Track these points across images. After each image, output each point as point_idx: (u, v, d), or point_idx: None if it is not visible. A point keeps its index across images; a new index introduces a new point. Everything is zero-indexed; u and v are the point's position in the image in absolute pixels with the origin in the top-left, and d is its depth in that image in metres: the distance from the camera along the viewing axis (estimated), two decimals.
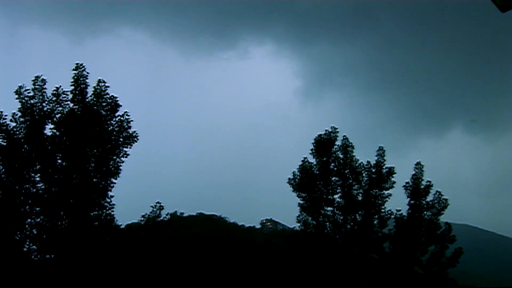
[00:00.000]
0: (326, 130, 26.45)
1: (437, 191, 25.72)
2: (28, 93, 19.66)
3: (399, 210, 25.70)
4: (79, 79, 20.20)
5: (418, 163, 26.50)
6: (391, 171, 25.88)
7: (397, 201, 26.49)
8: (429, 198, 25.78)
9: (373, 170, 25.89)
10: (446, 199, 25.53)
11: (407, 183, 26.20)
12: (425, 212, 25.43)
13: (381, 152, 26.31)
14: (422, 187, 25.98)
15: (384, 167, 25.97)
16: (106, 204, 19.78)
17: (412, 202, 25.82)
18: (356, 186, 25.68)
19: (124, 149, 20.29)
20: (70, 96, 20.16)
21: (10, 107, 19.77)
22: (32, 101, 19.63)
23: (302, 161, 26.20)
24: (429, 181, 26.15)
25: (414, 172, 26.41)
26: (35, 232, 19.11)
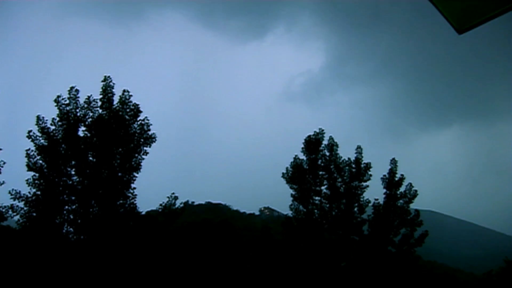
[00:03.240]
0: (314, 131, 28.54)
1: (409, 183, 27.80)
2: (64, 101, 21.38)
3: (377, 199, 27.74)
4: (107, 89, 21.89)
5: (393, 159, 28.53)
6: (368, 166, 27.92)
7: (379, 191, 28.87)
8: (402, 189, 27.89)
9: (353, 166, 27.86)
10: (416, 190, 27.68)
11: (384, 175, 28.16)
12: (399, 201, 27.39)
13: (359, 150, 28.50)
14: (396, 179, 27.99)
15: (362, 163, 28.05)
16: (129, 194, 21.40)
17: (388, 192, 27.88)
18: (339, 179, 27.62)
19: (144, 148, 21.91)
20: (99, 103, 21.81)
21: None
22: (67, 108, 21.33)
23: (294, 158, 28.19)
24: (402, 175, 28.24)
25: (390, 167, 28.38)
26: (71, 217, 20.67)
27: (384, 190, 28.20)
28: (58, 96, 21.63)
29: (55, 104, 21.58)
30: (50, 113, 21.54)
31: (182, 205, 22.57)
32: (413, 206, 27.80)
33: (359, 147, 28.67)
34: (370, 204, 27.55)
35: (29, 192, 20.20)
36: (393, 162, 28.51)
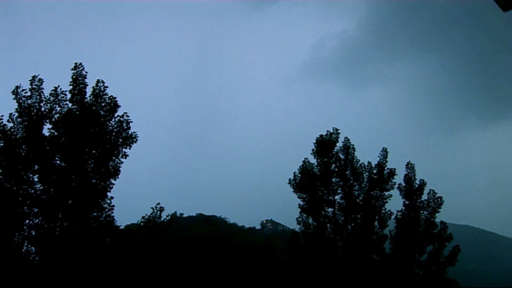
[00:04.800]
0: (327, 131, 26.19)
1: (430, 190, 25.31)
2: (25, 93, 19.11)
3: (400, 211, 25.20)
4: (78, 79, 19.68)
5: (408, 163, 26.17)
6: (392, 172, 25.51)
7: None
8: (424, 197, 25.41)
9: (375, 171, 25.50)
10: (440, 197, 25.14)
11: (400, 184, 25.84)
12: (422, 212, 24.93)
13: (384, 153, 26.06)
14: (416, 186, 25.59)
15: (385, 168, 25.59)
16: (105, 205, 19.26)
17: (407, 202, 25.47)
18: (357, 187, 25.24)
19: (124, 149, 19.88)
20: (69, 96, 19.66)
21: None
22: (29, 101, 19.08)
23: (303, 161, 25.84)
24: (422, 180, 25.84)
25: (406, 172, 26.07)
26: (33, 234, 18.54)
27: (403, 201, 25.67)
28: (17, 87, 19.17)
29: (14, 96, 19.13)
30: (7, 108, 19.11)
31: (169, 218, 20.48)
32: (451, 221, 24.89)
33: (384, 150, 26.13)
34: (393, 217, 24.94)
35: None
36: (410, 166, 26.09)
